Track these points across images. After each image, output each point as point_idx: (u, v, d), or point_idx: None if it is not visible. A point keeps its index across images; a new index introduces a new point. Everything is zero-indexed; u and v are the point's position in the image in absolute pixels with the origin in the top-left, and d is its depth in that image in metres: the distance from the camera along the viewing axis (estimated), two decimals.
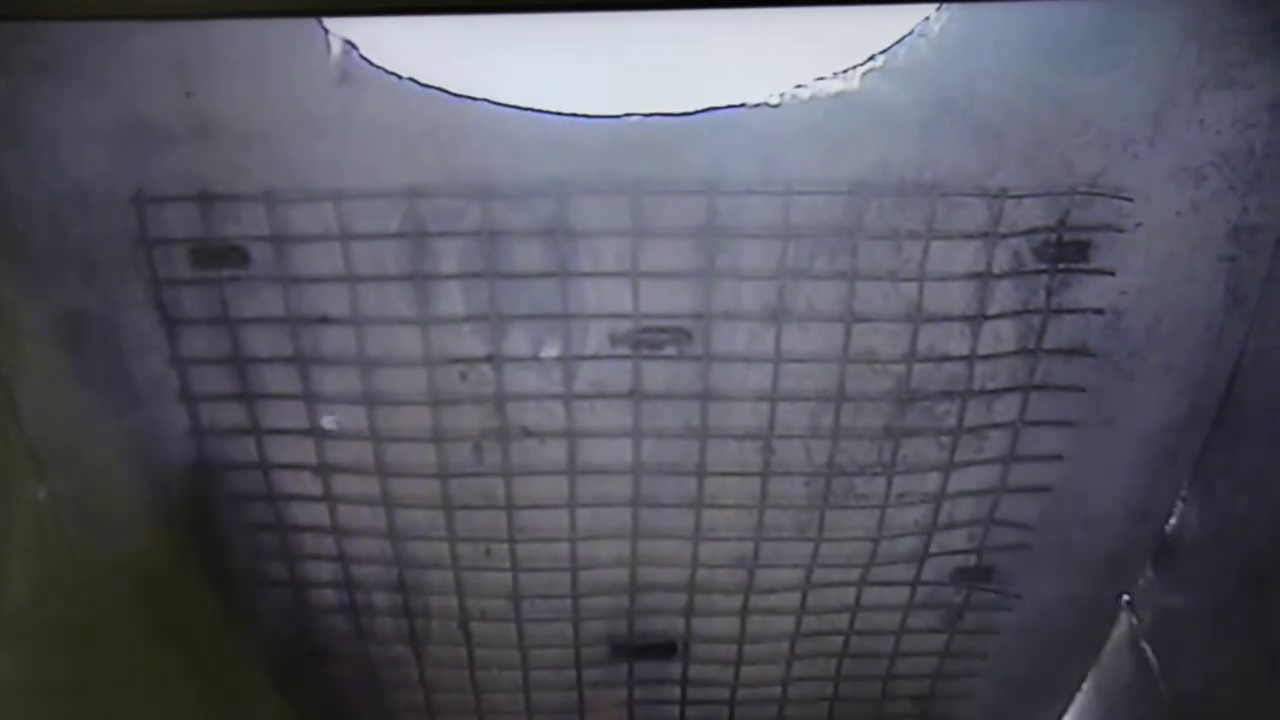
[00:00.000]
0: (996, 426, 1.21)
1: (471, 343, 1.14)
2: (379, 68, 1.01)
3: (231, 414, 1.19)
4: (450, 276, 1.11)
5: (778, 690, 1.45)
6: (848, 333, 1.14)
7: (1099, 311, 1.13)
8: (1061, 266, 1.11)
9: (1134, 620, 1.34)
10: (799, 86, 1.03)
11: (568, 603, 1.34)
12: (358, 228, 1.08)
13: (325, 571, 1.31)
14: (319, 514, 1.26)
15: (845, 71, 1.02)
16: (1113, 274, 1.11)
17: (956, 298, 1.13)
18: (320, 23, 0.99)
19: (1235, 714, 1.18)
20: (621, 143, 1.04)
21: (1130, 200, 1.07)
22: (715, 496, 1.25)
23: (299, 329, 1.14)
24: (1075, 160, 1.05)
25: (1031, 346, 1.15)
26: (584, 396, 1.18)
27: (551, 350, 1.15)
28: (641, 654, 1.40)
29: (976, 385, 1.18)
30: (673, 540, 1.29)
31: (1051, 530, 1.28)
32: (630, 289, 1.12)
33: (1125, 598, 1.35)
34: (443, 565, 1.30)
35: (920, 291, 1.12)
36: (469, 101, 1.02)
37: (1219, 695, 1.20)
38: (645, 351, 1.15)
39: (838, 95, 1.02)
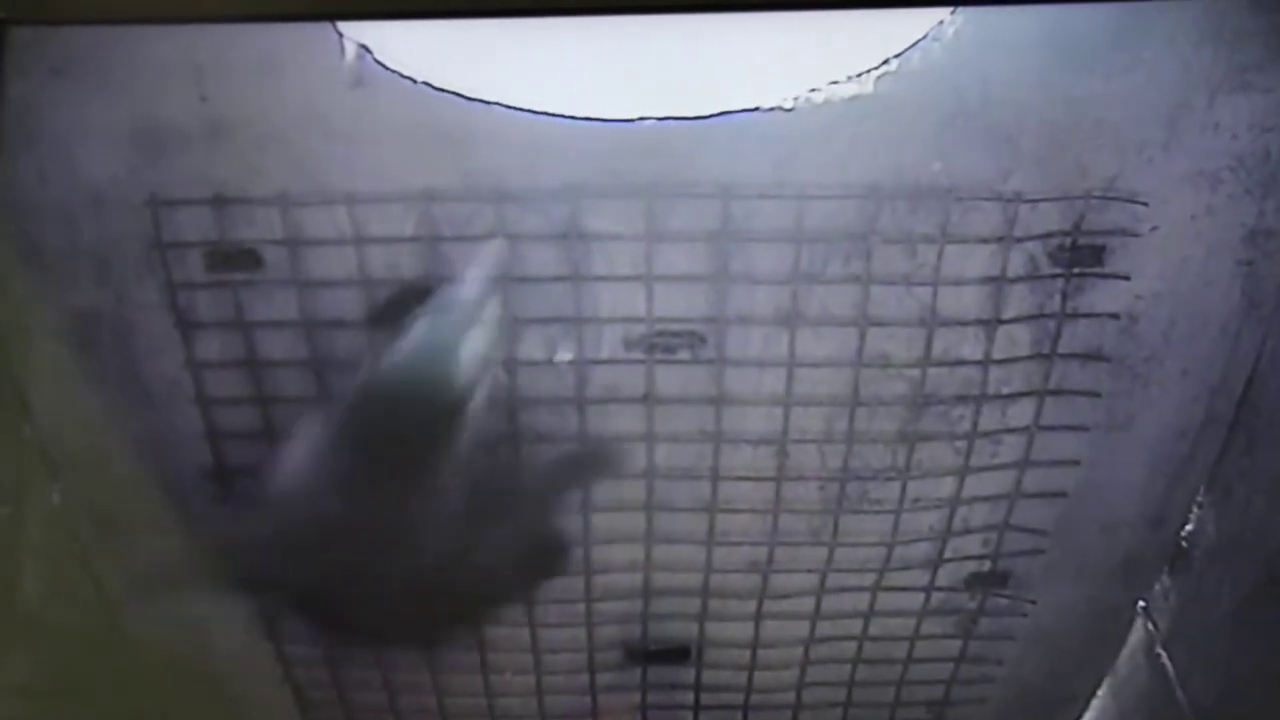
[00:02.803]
0: (1011, 431, 1.20)
1: None
2: (393, 71, 1.01)
3: (245, 417, 1.19)
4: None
5: (792, 696, 1.45)
6: (862, 337, 1.14)
7: (1114, 316, 1.13)
8: (1076, 271, 1.11)
9: (1150, 626, 1.33)
10: (813, 90, 1.03)
11: (581, 607, 1.34)
12: (371, 231, 1.09)
13: None
14: None
15: (859, 75, 1.02)
16: (1128, 278, 1.11)
17: (971, 302, 1.12)
18: (334, 26, 0.99)
19: None
20: (635, 146, 1.04)
21: (1145, 204, 1.07)
22: (729, 501, 1.25)
23: (313, 332, 1.14)
24: (1090, 164, 1.05)
25: (1046, 351, 1.15)
26: (598, 400, 1.18)
27: (565, 354, 1.15)
28: (655, 659, 1.40)
29: (991, 390, 1.17)
30: (687, 545, 1.28)
31: (1067, 535, 1.28)
32: (644, 293, 1.12)
33: (1141, 604, 1.34)
34: None
35: (934, 296, 1.12)
36: (483, 105, 1.02)
37: (1237, 702, 1.19)
38: (659, 355, 1.15)
39: (852, 99, 1.02)
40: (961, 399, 1.18)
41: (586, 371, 1.16)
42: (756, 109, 1.03)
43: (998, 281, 1.11)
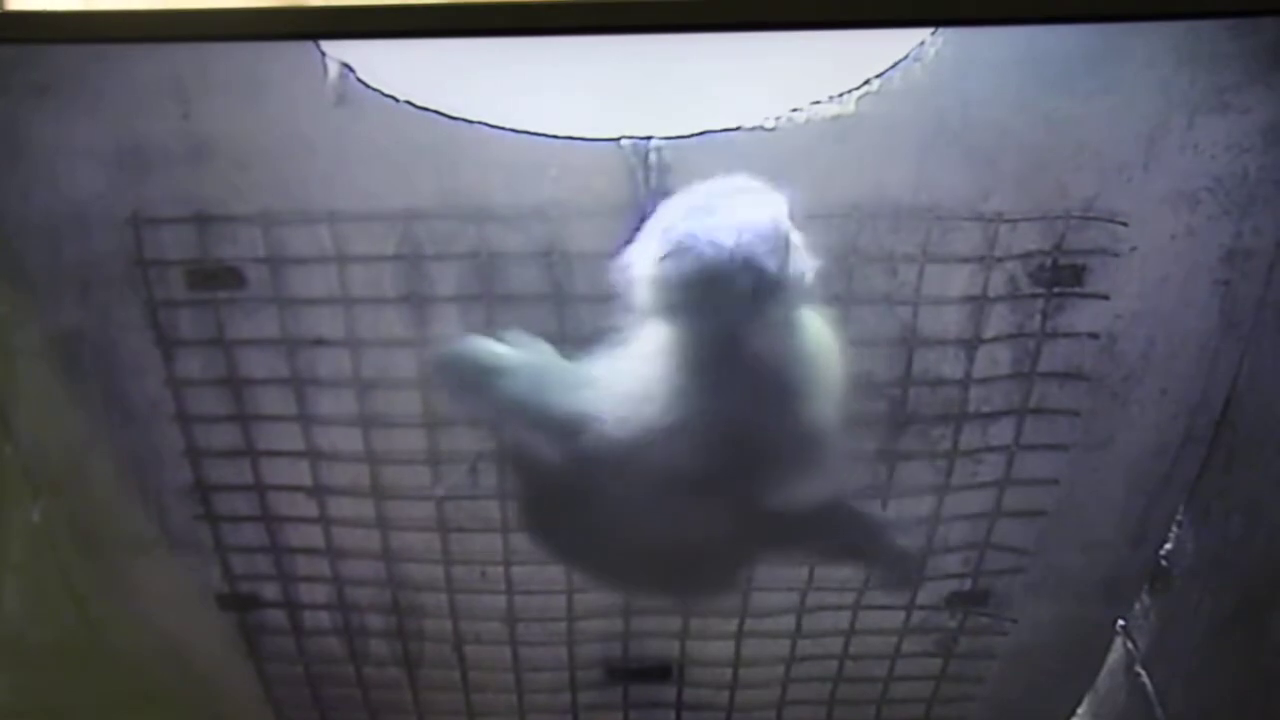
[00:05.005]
0: (991, 450, 1.21)
1: None
2: (376, 90, 1.01)
3: (226, 436, 1.19)
4: (446, 299, 1.11)
5: (772, 715, 1.45)
6: (843, 356, 1.14)
7: (1094, 335, 1.13)
8: (1056, 290, 1.11)
9: (1130, 645, 1.33)
10: (795, 110, 1.03)
11: (563, 626, 1.34)
12: (354, 249, 1.09)
13: (320, 593, 1.31)
14: (314, 536, 1.26)
15: (840, 95, 1.02)
16: (1107, 298, 1.11)
17: (951, 321, 1.13)
18: (317, 45, 0.99)
19: None
20: (617, 166, 1.04)
21: (1125, 224, 1.07)
22: None
23: (294, 351, 1.14)
24: (1070, 184, 1.06)
25: (1026, 370, 1.15)
26: None
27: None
28: (636, 677, 1.40)
29: (971, 409, 1.18)
30: None
31: (1047, 554, 1.28)
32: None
33: (1121, 622, 1.34)
34: (437, 588, 1.29)
35: (915, 315, 1.12)
36: (465, 124, 1.03)
37: None
38: None
39: (833, 119, 1.03)
40: (942, 418, 1.18)
41: None
42: (738, 129, 1.03)
43: (978, 301, 1.11)
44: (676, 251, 0.92)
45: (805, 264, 0.95)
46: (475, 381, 1.04)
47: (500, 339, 1.05)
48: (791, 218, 0.96)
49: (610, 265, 1.02)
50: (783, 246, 0.93)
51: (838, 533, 1.14)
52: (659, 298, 0.95)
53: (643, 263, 0.95)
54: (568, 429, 1.00)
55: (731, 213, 0.94)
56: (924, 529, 1.26)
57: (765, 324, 0.94)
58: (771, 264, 0.92)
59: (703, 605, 1.30)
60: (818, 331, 0.99)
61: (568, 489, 1.06)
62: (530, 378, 1.02)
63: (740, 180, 0.96)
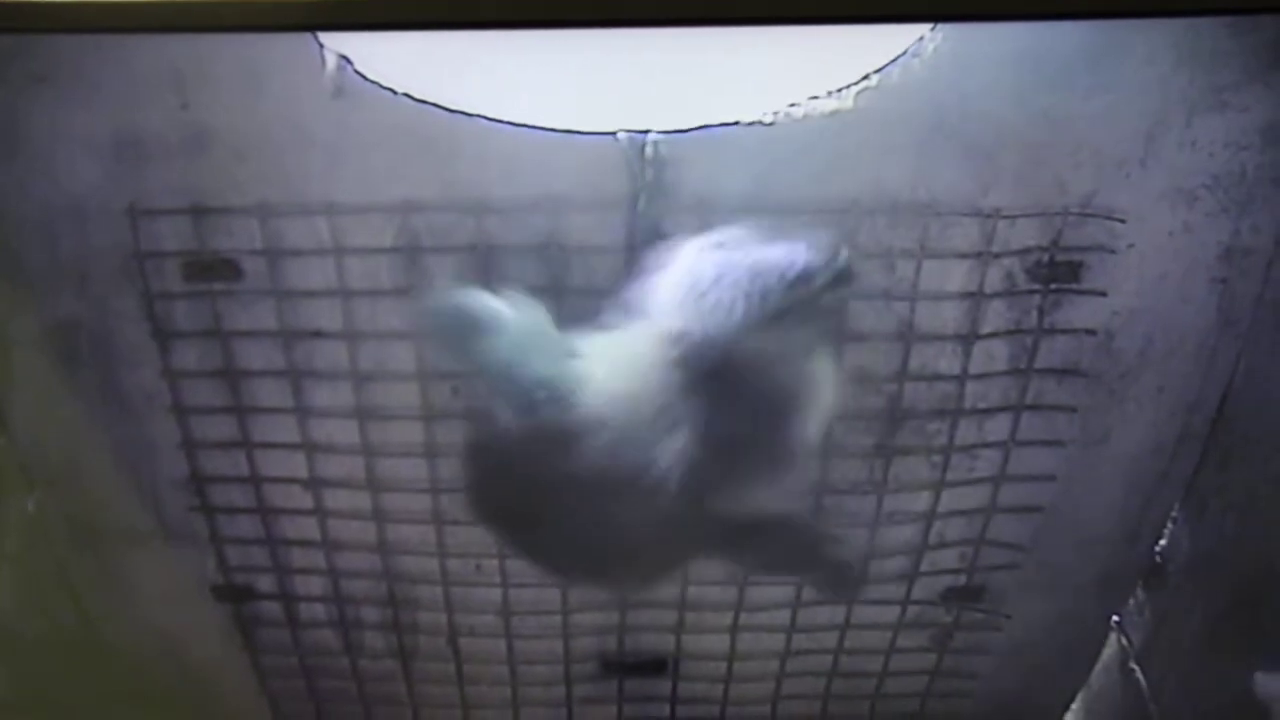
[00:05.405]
0: (988, 446, 1.21)
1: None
2: (374, 83, 1.01)
3: (222, 427, 1.19)
4: (444, 291, 1.11)
5: (767, 709, 1.45)
6: (840, 351, 1.14)
7: (1091, 332, 1.13)
8: (1053, 287, 1.11)
9: (1124, 641, 1.34)
10: (793, 105, 1.03)
11: (558, 619, 1.34)
12: (351, 242, 1.08)
13: (315, 586, 1.31)
14: (309, 528, 1.26)
15: (839, 90, 1.02)
16: (1105, 294, 1.11)
17: (949, 317, 1.13)
18: (315, 37, 0.99)
19: None
20: (615, 160, 1.04)
21: (1123, 221, 1.07)
22: None
23: (291, 343, 1.14)
24: (1068, 181, 1.05)
25: (1023, 366, 1.15)
26: None
27: None
28: (631, 671, 1.40)
29: (968, 404, 1.18)
30: None
31: (1042, 550, 1.28)
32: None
33: (1115, 618, 1.35)
34: (433, 580, 1.29)
35: (913, 310, 1.12)
36: (463, 117, 1.02)
37: (1208, 717, 1.19)
38: None
39: (832, 114, 1.03)
40: (938, 413, 1.18)
41: None
42: (737, 123, 1.03)
43: (975, 297, 1.11)
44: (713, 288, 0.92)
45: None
46: (463, 334, 1.04)
47: (497, 293, 1.04)
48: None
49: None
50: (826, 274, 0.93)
51: (776, 542, 1.13)
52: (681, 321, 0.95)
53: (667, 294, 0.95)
54: (536, 393, 0.99)
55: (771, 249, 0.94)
56: (920, 524, 1.26)
57: (772, 347, 0.94)
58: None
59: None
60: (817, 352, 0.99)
61: (520, 456, 1.06)
62: (515, 337, 1.02)
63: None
